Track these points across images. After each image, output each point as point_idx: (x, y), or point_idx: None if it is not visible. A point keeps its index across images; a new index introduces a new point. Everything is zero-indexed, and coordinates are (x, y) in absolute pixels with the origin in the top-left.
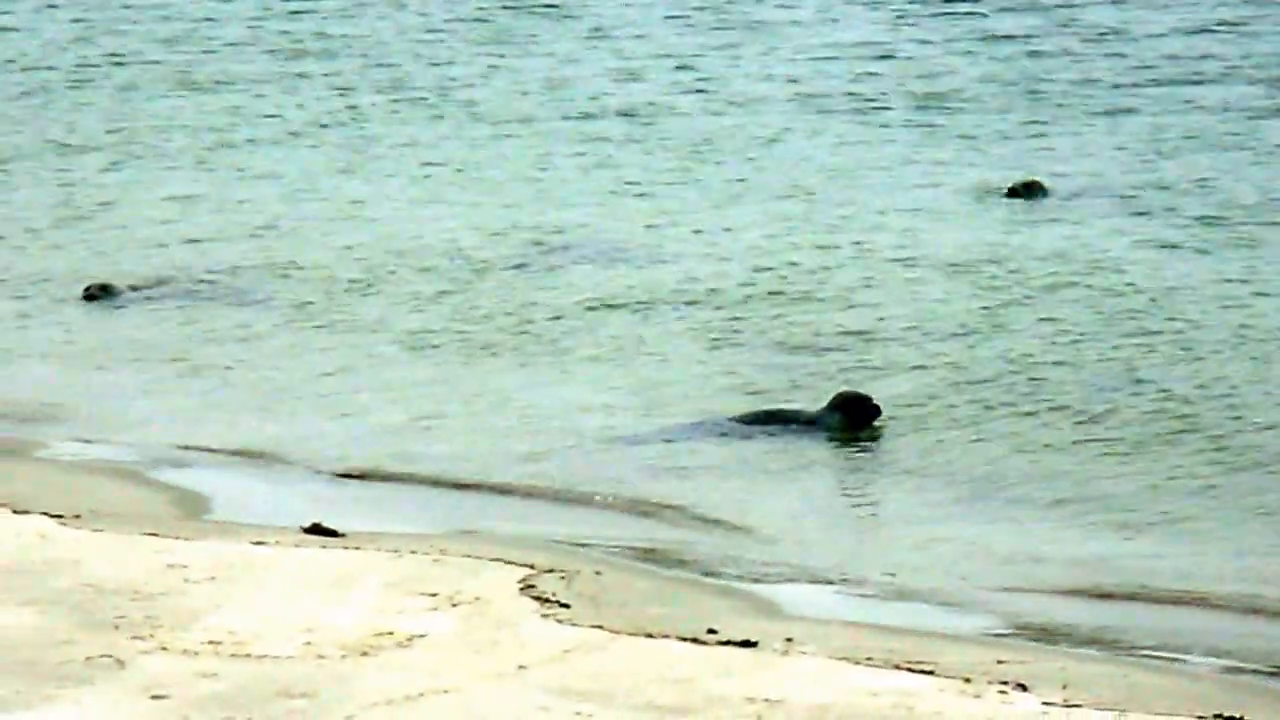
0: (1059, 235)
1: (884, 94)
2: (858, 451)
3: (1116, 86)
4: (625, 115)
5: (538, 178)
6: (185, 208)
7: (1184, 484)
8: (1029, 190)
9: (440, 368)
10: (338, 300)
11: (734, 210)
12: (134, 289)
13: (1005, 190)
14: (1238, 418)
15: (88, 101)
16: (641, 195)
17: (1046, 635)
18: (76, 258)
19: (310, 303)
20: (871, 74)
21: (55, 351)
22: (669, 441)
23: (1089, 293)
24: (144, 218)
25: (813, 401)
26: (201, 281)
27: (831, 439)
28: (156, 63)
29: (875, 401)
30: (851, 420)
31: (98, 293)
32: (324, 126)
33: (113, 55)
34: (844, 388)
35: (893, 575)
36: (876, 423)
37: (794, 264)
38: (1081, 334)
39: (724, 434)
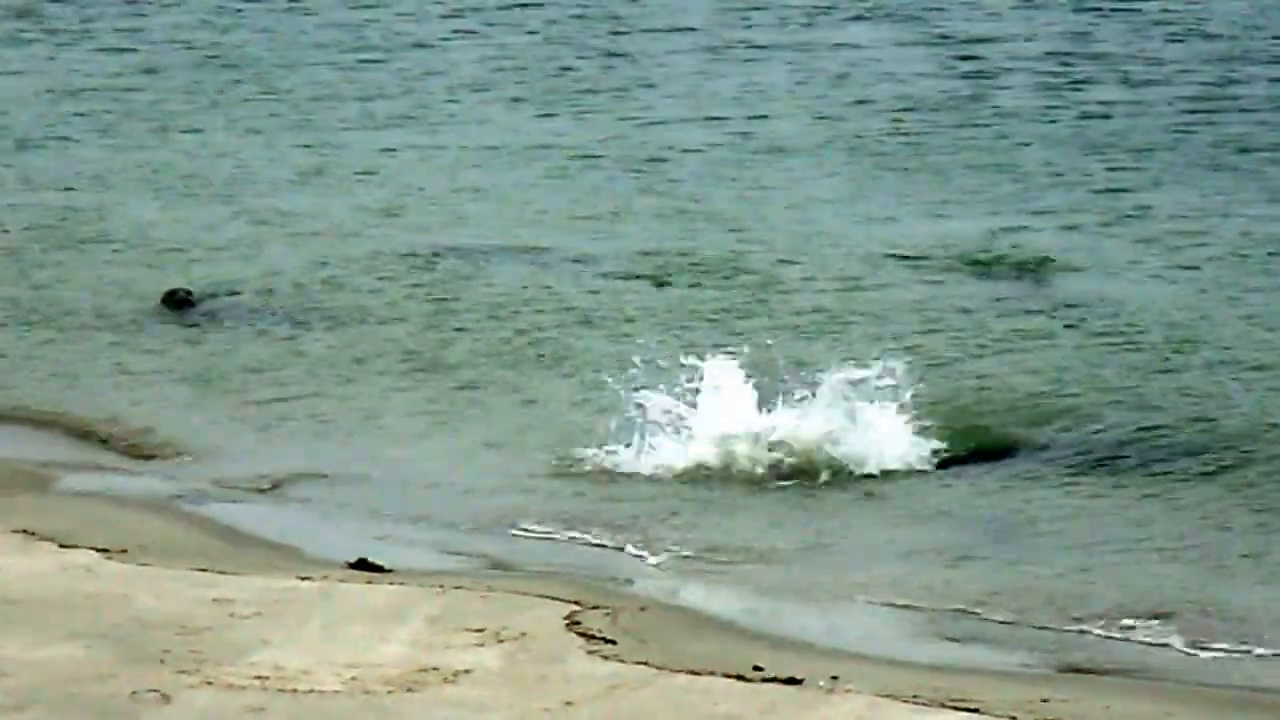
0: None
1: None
2: (892, 489)
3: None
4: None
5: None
6: (261, 224)
7: (1230, 518)
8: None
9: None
10: (412, 332)
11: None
12: (211, 295)
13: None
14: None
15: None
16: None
17: (1089, 672)
18: (151, 270)
19: (390, 331)
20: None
21: (122, 366)
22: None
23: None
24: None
25: None
26: (272, 299)
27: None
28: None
29: None
30: None
31: (185, 296)
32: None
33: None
34: None
35: (936, 611)
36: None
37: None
38: (1116, 373)
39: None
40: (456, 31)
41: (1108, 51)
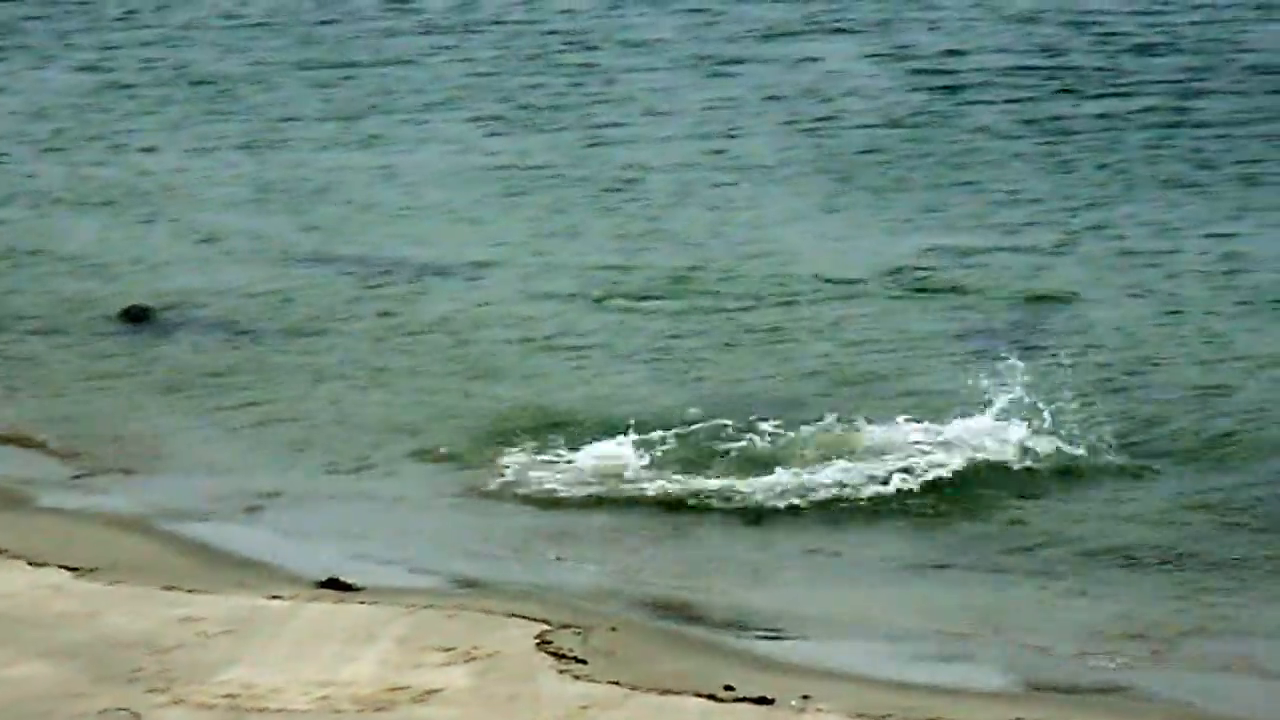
0: None
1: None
2: (861, 510)
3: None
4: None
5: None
6: (225, 235)
7: (1201, 538)
8: None
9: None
10: (369, 347)
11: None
12: (173, 310)
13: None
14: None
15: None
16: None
17: (1061, 692)
18: (107, 285)
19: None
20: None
21: (86, 382)
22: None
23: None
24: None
25: None
26: (239, 310)
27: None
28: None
29: None
30: None
31: (139, 314)
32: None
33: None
34: None
35: (908, 630)
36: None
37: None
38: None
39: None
40: (427, 48)
41: (1073, 66)
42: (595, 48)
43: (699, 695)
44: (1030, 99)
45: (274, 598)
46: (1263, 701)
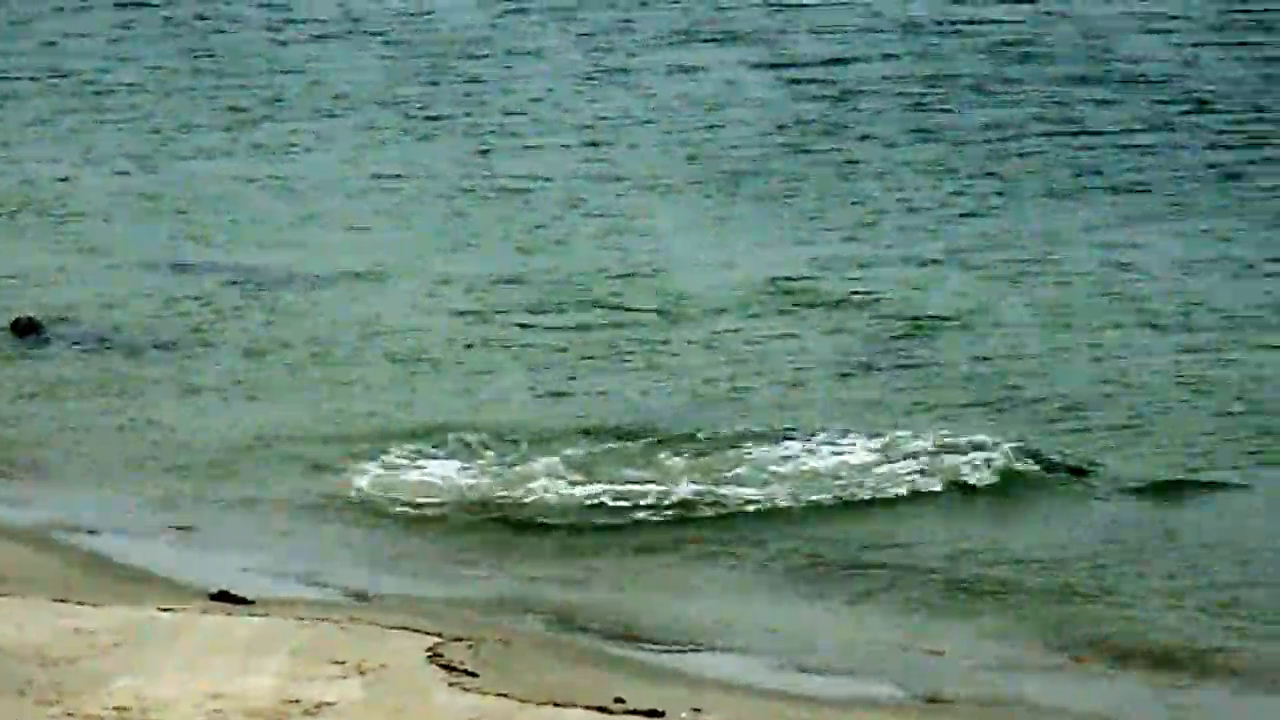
0: None
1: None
2: (751, 524)
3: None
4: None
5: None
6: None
7: (1096, 553)
8: None
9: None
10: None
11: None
12: (62, 323)
13: None
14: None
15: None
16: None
17: (954, 703)
18: (2, 293)
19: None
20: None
21: None
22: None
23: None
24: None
25: None
26: (129, 325)
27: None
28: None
29: None
30: None
31: (27, 326)
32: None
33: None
34: None
35: (796, 642)
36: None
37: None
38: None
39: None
40: (317, 57)
41: (958, 74)
42: (485, 57)
43: (589, 708)
44: (916, 108)
45: (165, 610)
46: (1153, 709)
